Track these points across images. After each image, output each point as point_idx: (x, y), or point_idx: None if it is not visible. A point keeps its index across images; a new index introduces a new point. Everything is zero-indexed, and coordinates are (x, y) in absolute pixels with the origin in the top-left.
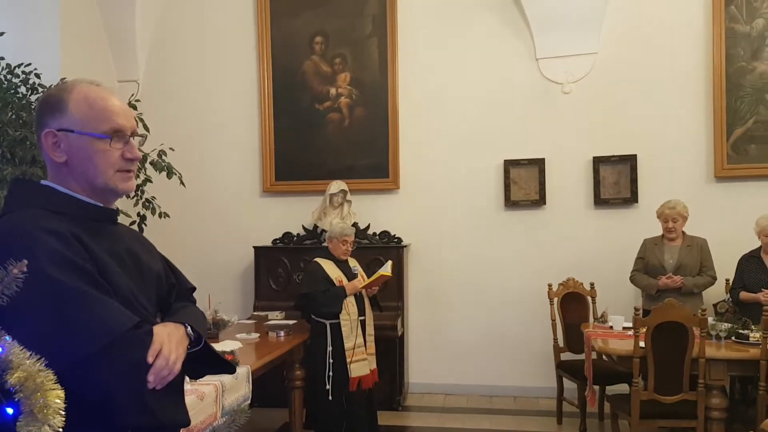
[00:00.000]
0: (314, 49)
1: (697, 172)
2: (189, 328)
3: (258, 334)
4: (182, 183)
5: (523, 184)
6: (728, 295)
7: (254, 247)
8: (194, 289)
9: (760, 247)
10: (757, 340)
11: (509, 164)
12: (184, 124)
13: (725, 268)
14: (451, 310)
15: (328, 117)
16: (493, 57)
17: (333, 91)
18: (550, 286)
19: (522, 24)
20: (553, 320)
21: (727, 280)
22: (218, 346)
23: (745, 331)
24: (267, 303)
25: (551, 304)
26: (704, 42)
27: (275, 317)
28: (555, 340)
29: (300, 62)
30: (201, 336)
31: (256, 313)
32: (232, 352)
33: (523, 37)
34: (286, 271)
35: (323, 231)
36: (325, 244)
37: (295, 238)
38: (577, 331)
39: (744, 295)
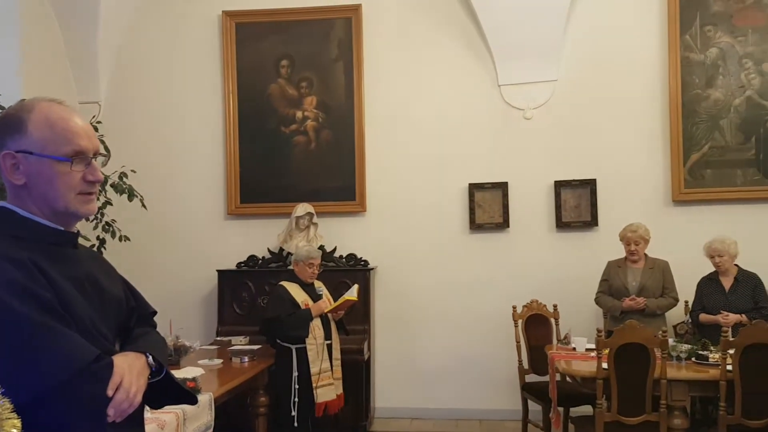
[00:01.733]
0: (280, 73)
1: (655, 196)
2: (150, 358)
3: (221, 360)
4: (143, 205)
5: (488, 207)
6: (688, 316)
7: (218, 270)
8: (155, 313)
9: None
10: (717, 361)
11: (474, 188)
12: (147, 145)
13: (685, 290)
14: (417, 334)
15: (295, 140)
16: (458, 83)
17: (299, 114)
18: (514, 308)
19: (485, 52)
20: (518, 342)
21: (687, 302)
22: (179, 373)
23: (705, 352)
24: (230, 328)
25: (516, 326)
26: (660, 70)
27: (239, 342)
28: (520, 362)
29: (266, 85)
30: (162, 365)
31: (219, 339)
32: (193, 379)
33: (485, 65)
34: (251, 295)
35: (289, 254)
36: (290, 267)
37: (260, 261)
38: (541, 353)
39: (703, 316)
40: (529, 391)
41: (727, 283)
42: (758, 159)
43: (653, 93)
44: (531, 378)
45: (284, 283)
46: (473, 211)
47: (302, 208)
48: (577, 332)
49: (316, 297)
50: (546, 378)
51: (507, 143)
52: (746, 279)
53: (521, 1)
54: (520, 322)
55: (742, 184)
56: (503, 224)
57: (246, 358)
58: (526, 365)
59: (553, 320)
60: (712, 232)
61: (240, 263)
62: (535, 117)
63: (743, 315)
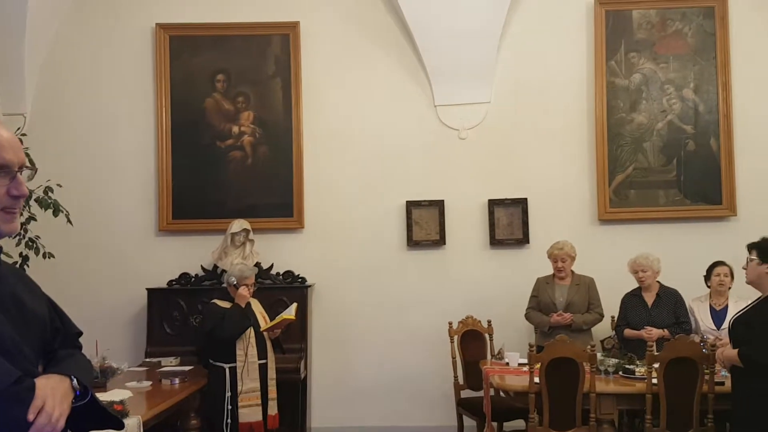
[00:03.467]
0: (216, 87)
1: (582, 215)
2: (75, 381)
3: (150, 382)
4: (69, 221)
5: (425, 224)
6: (614, 331)
7: (148, 289)
8: (81, 333)
9: None
10: (643, 375)
11: (411, 205)
12: (74, 159)
13: (610, 305)
14: (354, 351)
15: (231, 155)
16: (395, 102)
17: (235, 129)
18: (450, 324)
19: (421, 72)
20: (454, 358)
21: (613, 317)
22: (106, 396)
23: (632, 366)
24: (160, 348)
25: (451, 342)
26: (587, 94)
27: (169, 363)
28: (455, 378)
29: (201, 99)
30: (88, 388)
31: (148, 360)
32: (121, 402)
33: (422, 85)
34: (183, 314)
35: (224, 271)
36: (225, 285)
37: (193, 279)
38: (476, 369)
39: (628, 332)
40: (464, 406)
41: (649, 298)
42: (679, 180)
43: (581, 116)
44: (466, 393)
45: (217, 301)
46: (411, 228)
47: (238, 225)
48: (511, 347)
49: (250, 314)
50: (481, 393)
51: (443, 162)
52: (667, 295)
53: (455, 23)
54: (455, 337)
55: (664, 204)
56: (440, 241)
57: (177, 380)
58: (461, 381)
59: (487, 336)
60: (636, 249)
61: (171, 281)
62: (469, 137)
63: (665, 330)
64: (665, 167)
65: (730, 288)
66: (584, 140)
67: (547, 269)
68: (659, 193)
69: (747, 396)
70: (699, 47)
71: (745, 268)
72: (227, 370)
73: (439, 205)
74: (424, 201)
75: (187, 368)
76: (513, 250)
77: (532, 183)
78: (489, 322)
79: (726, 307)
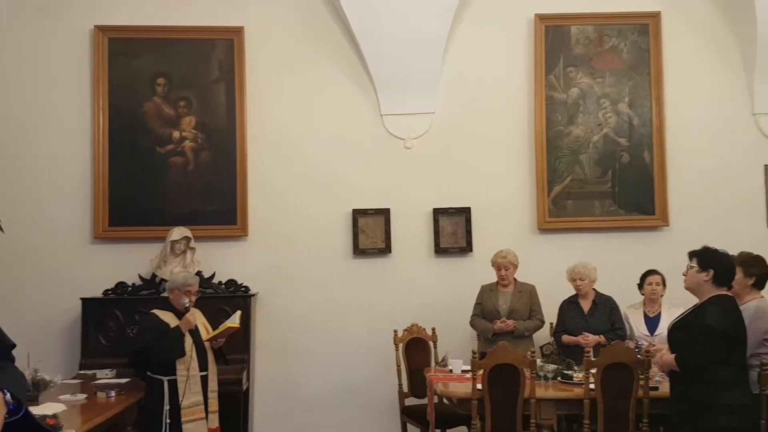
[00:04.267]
0: (156, 91)
1: (523, 224)
2: (8, 395)
3: (85, 395)
4: (0, 228)
5: (371, 232)
6: (552, 337)
7: (82, 298)
8: (14, 346)
9: None
10: (581, 380)
11: (357, 213)
12: (6, 164)
13: (549, 312)
14: (299, 361)
15: (171, 160)
16: (342, 110)
17: (176, 134)
18: (395, 332)
19: (367, 81)
20: (399, 366)
21: (552, 324)
22: (38, 410)
23: (570, 372)
24: (95, 360)
25: (396, 350)
26: (527, 107)
27: (105, 376)
28: (400, 386)
29: (140, 103)
30: (21, 402)
31: (82, 372)
32: (54, 416)
33: (368, 94)
34: (119, 324)
35: (163, 281)
36: (165, 294)
37: (130, 288)
38: (420, 376)
39: (566, 338)
40: (408, 414)
41: (586, 305)
42: (614, 191)
43: (521, 128)
44: (410, 401)
45: (156, 311)
46: (357, 237)
47: (178, 232)
48: (455, 354)
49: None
50: (425, 401)
51: (389, 171)
52: (603, 302)
53: (401, 34)
54: (400, 345)
55: (600, 214)
56: (385, 249)
57: (112, 393)
58: (405, 389)
59: (431, 343)
60: (574, 258)
61: (107, 291)
62: (415, 147)
63: (602, 336)
64: (601, 179)
65: (662, 296)
66: (525, 151)
67: (490, 277)
68: (595, 203)
69: (684, 399)
70: (634, 63)
71: (685, 275)
72: (166, 383)
73: (385, 213)
74: (371, 209)
75: (123, 381)
76: (457, 258)
77: (475, 192)
78: (433, 329)
79: (659, 314)
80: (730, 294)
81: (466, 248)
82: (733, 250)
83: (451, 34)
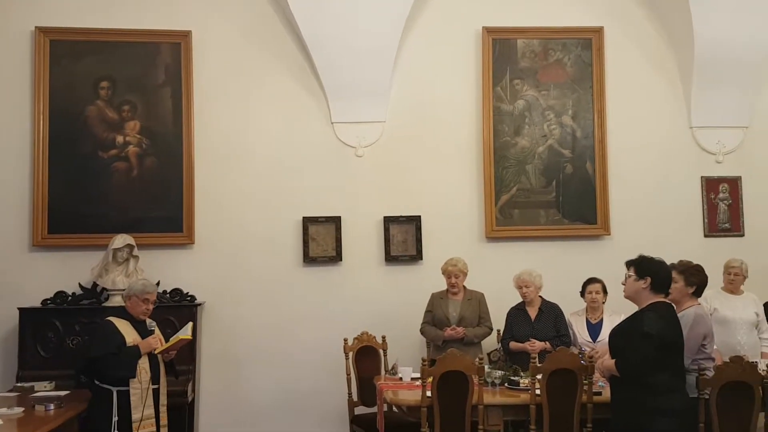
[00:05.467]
0: (99, 94)
1: (471, 232)
2: None
3: (22, 409)
4: None
5: (321, 240)
6: (500, 344)
7: (20, 308)
8: None
9: None
10: (527, 386)
11: (308, 221)
12: None
13: (497, 319)
14: (247, 371)
15: (114, 166)
16: (292, 117)
17: (120, 138)
18: (345, 340)
19: (318, 89)
20: (349, 375)
21: (499, 331)
22: None
23: (516, 378)
24: (33, 372)
25: (347, 358)
26: (476, 118)
27: (43, 388)
28: (349, 394)
29: (83, 107)
30: None
31: (19, 385)
32: None
33: (319, 101)
34: (58, 335)
35: (104, 290)
36: (106, 303)
37: (70, 298)
38: (370, 385)
39: (513, 344)
40: (357, 423)
41: (532, 312)
42: (558, 201)
43: (470, 138)
44: (360, 410)
45: (112, 319)
46: (307, 245)
47: (121, 240)
48: (405, 362)
49: (147, 335)
50: (374, 409)
51: (340, 179)
52: (549, 309)
53: (352, 42)
54: (351, 354)
55: (545, 223)
56: (336, 257)
57: (51, 406)
58: (355, 397)
59: (382, 351)
60: (520, 265)
61: (46, 300)
62: (366, 155)
63: (547, 342)
64: (545, 188)
65: (603, 303)
66: (473, 161)
67: (440, 285)
68: (540, 212)
69: (623, 404)
70: (577, 76)
71: (624, 284)
72: (115, 394)
73: (335, 221)
74: (321, 217)
75: (62, 393)
76: (407, 266)
77: (425, 201)
78: (383, 337)
79: (601, 320)
80: (667, 301)
81: (416, 256)
82: (672, 259)
83: (401, 44)
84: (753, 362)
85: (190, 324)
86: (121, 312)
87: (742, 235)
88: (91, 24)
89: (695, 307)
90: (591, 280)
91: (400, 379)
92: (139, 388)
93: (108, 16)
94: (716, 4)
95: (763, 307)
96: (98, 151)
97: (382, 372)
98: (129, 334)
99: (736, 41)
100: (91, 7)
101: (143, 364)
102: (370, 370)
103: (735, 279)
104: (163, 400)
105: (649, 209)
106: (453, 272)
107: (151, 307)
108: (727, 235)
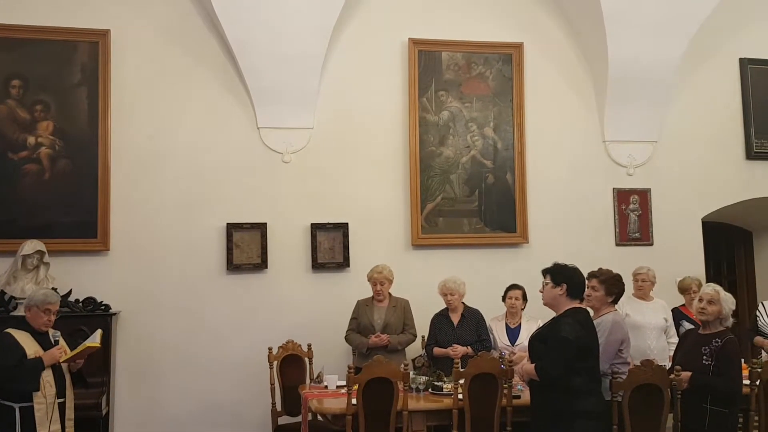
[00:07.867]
0: (10, 93)
1: (398, 240)
2: None
3: None
4: None
5: (246, 247)
6: (424, 350)
7: None
8: None
9: None
10: (450, 391)
11: (232, 227)
12: None
13: (422, 325)
14: (165, 383)
15: (24, 168)
16: (217, 121)
17: (32, 139)
18: (270, 349)
19: (244, 93)
20: (272, 384)
21: (423, 337)
22: None
23: (440, 383)
24: None
25: (271, 368)
26: (402, 127)
27: None
28: (273, 404)
29: None
30: None
31: None
32: None
33: (245, 106)
34: None
35: (12, 298)
36: (14, 313)
37: None
38: (295, 394)
39: (437, 350)
40: None
41: (455, 318)
42: (481, 210)
43: (396, 146)
44: (284, 420)
45: (11, 331)
46: (231, 252)
47: (30, 246)
48: (331, 370)
49: (50, 347)
50: (299, 419)
51: (266, 185)
52: (471, 315)
53: (279, 48)
54: (275, 363)
55: (468, 231)
56: (261, 265)
57: None
58: (279, 407)
59: (307, 360)
60: (444, 273)
61: None
62: (293, 161)
63: (469, 347)
64: (469, 198)
65: (523, 309)
66: (399, 169)
67: (367, 292)
68: (464, 221)
69: (543, 407)
70: (498, 90)
71: (541, 292)
72: (17, 411)
73: (261, 228)
74: (246, 223)
75: None
76: (334, 274)
77: (352, 208)
78: (309, 345)
79: (519, 325)
80: (583, 306)
81: (343, 263)
82: (586, 266)
83: (329, 51)
84: (662, 365)
85: (99, 331)
86: (22, 323)
87: (651, 245)
88: (3, 20)
89: (612, 313)
90: (513, 287)
91: (326, 387)
92: (44, 402)
93: (21, 12)
94: (629, 25)
95: (671, 313)
96: (8, 153)
97: (308, 381)
98: (30, 346)
99: (648, 60)
100: (3, 2)
101: (47, 376)
102: (296, 379)
103: (643, 285)
104: (70, 414)
105: (565, 219)
106: (378, 279)
107: (53, 318)
108: (637, 244)
